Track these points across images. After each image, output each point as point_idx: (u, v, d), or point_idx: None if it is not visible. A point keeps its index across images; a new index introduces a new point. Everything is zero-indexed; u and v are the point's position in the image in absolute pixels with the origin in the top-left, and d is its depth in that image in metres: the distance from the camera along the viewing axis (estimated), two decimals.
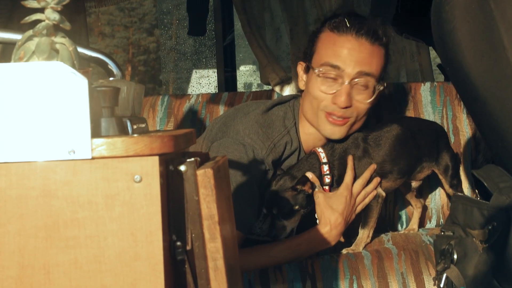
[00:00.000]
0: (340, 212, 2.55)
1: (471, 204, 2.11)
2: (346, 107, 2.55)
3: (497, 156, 2.06)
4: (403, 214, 3.09)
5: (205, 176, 1.37)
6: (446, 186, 2.81)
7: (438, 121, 3.12)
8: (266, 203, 2.56)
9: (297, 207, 2.56)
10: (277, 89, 3.55)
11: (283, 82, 3.55)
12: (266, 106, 2.70)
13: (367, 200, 2.64)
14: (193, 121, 3.26)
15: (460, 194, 2.42)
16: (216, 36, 3.98)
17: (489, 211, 2.01)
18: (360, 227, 2.70)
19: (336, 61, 2.54)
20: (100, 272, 1.30)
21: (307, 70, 2.66)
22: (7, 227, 1.29)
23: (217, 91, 3.90)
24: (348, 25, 2.58)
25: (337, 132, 2.61)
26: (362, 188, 2.62)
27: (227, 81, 4.05)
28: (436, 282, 2.23)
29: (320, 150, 2.62)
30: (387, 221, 3.07)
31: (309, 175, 2.58)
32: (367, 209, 2.65)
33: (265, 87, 4.03)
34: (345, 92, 2.53)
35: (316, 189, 2.58)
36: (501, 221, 1.96)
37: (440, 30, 1.84)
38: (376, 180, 2.65)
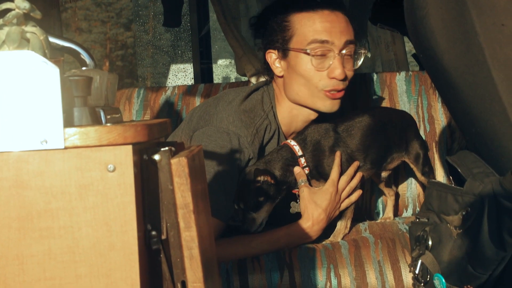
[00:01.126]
0: (323, 208, 2.55)
1: (445, 190, 2.11)
2: (343, 78, 2.57)
3: (470, 142, 2.07)
4: (379, 203, 3.10)
5: (179, 165, 1.36)
6: (418, 174, 2.81)
7: (413, 110, 3.13)
8: (235, 197, 2.55)
9: (262, 198, 2.54)
10: (253, 80, 3.54)
11: (259, 73, 3.53)
12: (246, 93, 2.70)
13: (353, 198, 2.65)
14: (169, 113, 3.25)
15: (434, 180, 2.43)
16: (192, 28, 3.97)
17: (463, 197, 2.01)
18: (338, 220, 2.70)
19: (324, 36, 2.56)
20: (74, 262, 1.29)
21: (284, 55, 2.64)
22: None
23: (193, 84, 3.89)
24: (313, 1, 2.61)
25: (336, 105, 2.63)
26: (346, 184, 2.62)
27: (203, 73, 4.04)
28: (412, 268, 2.23)
29: (293, 143, 2.61)
30: (364, 211, 3.07)
31: (297, 169, 2.57)
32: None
33: (242, 79, 4.01)
34: (339, 63, 2.56)
35: (302, 183, 2.58)
36: (475, 207, 1.96)
37: (412, 17, 1.84)
38: (359, 175, 2.65)
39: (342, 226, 2.68)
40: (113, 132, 1.28)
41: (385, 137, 2.74)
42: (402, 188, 3.09)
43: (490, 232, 1.90)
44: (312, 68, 2.58)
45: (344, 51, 2.58)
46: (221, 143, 2.53)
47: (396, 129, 2.78)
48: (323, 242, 2.64)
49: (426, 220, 2.17)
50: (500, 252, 1.92)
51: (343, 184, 2.61)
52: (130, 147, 1.29)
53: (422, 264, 2.13)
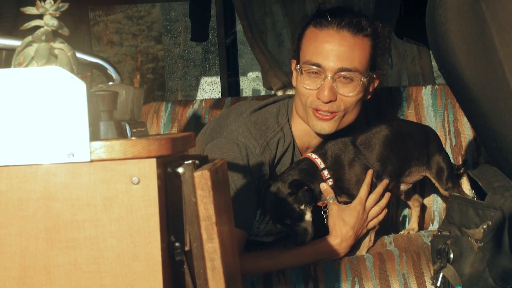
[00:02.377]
0: (351, 225, 2.56)
1: (466, 203, 2.13)
2: (330, 101, 2.55)
3: (492, 156, 2.08)
4: (405, 216, 3.10)
5: (202, 178, 1.39)
6: (441, 190, 2.78)
7: (440, 124, 3.14)
8: (275, 218, 2.57)
9: (303, 206, 2.56)
10: (279, 93, 3.57)
11: (286, 87, 3.57)
12: (259, 105, 2.72)
13: (380, 217, 2.66)
14: (196, 126, 3.28)
15: (456, 194, 2.43)
16: (219, 42, 4.01)
17: (484, 211, 2.03)
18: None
19: (317, 59, 2.54)
20: (99, 273, 1.33)
21: (296, 66, 2.66)
22: (9, 229, 1.32)
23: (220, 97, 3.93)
24: (330, 18, 2.57)
25: (326, 127, 2.60)
26: (375, 203, 2.63)
27: (230, 86, 4.08)
28: (433, 281, 2.25)
29: (314, 156, 2.62)
30: (389, 224, 3.08)
31: (323, 186, 2.59)
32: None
33: (267, 92, 4.05)
34: (327, 86, 2.53)
35: (331, 201, 2.59)
36: (495, 220, 1.98)
37: (434, 33, 1.86)
38: (388, 195, 2.66)
39: (366, 240, 2.69)
40: (138, 146, 1.31)
41: (404, 149, 2.73)
42: (428, 201, 3.09)
43: (510, 245, 1.92)
44: (303, 88, 2.59)
45: (339, 74, 2.55)
46: (232, 154, 2.56)
47: (415, 142, 2.77)
48: (348, 256, 2.65)
49: (448, 233, 2.18)
50: None
51: (371, 202, 2.62)
52: (154, 160, 1.33)
53: (443, 277, 2.15)
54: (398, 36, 3.86)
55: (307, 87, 2.57)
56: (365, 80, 2.59)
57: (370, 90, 2.69)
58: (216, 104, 3.34)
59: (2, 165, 1.31)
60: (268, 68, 3.59)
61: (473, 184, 2.19)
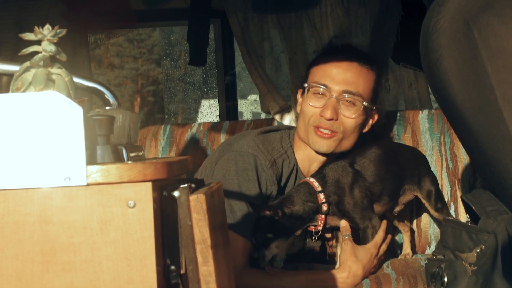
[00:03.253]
0: (363, 264, 2.59)
1: (460, 227, 2.14)
2: (331, 119, 2.68)
3: (486, 181, 2.10)
4: (402, 239, 3.11)
5: (197, 202, 1.41)
6: (432, 211, 2.84)
7: (436, 148, 3.15)
8: (252, 231, 2.59)
9: (270, 235, 2.55)
10: (277, 117, 3.59)
11: (283, 111, 3.59)
12: (263, 130, 2.85)
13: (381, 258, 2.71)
14: (195, 149, 3.30)
15: (450, 218, 2.45)
16: (217, 66, 4.04)
17: (477, 235, 2.05)
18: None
19: (324, 80, 2.72)
20: None
21: (303, 93, 2.80)
22: (5, 252, 1.33)
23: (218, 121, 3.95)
24: (341, 48, 2.81)
25: (324, 145, 2.72)
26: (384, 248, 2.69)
27: (229, 110, 4.10)
28: None
29: (312, 179, 2.65)
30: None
31: (343, 223, 2.63)
32: (363, 238, 2.67)
33: (266, 116, 4.07)
34: (331, 105, 2.69)
35: (346, 237, 2.61)
36: (489, 244, 1.99)
37: (427, 59, 1.88)
38: (389, 238, 2.73)
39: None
40: (134, 170, 1.33)
41: (398, 167, 2.78)
42: (424, 225, 3.11)
43: (504, 269, 1.93)
44: (309, 106, 2.73)
45: (343, 96, 2.70)
46: (242, 165, 2.65)
47: (407, 161, 2.83)
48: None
49: (442, 257, 2.19)
50: None
51: (384, 248, 2.67)
52: (149, 184, 1.34)
53: None
54: (394, 61, 3.89)
55: (312, 104, 2.72)
56: (366, 104, 2.73)
57: (369, 123, 2.84)
58: (214, 127, 3.36)
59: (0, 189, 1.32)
60: (266, 92, 3.62)
61: (467, 208, 2.20)
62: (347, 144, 2.77)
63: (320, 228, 2.64)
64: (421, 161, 2.90)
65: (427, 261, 2.37)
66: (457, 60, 1.82)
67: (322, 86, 2.71)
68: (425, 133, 3.22)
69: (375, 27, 3.68)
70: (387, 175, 2.73)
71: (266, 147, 2.73)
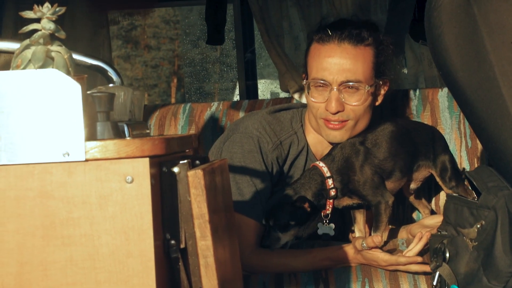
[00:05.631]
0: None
1: (461, 203, 2.15)
2: (338, 112, 2.63)
3: (489, 157, 2.10)
4: (419, 216, 3.11)
5: (195, 177, 1.42)
6: (445, 189, 2.80)
7: (455, 126, 3.14)
8: (266, 213, 2.61)
9: (293, 222, 2.58)
10: (296, 96, 3.60)
11: (302, 90, 3.59)
12: (274, 109, 2.80)
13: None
14: (214, 128, 3.32)
15: (452, 194, 2.44)
16: (237, 46, 4.05)
17: (478, 210, 2.05)
18: (372, 231, 2.72)
19: (322, 75, 2.63)
20: (94, 269, 1.37)
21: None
22: (6, 226, 1.36)
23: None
24: (330, 33, 2.66)
25: (337, 136, 2.67)
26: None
27: (249, 89, 4.12)
28: (430, 280, 2.26)
29: (321, 164, 2.65)
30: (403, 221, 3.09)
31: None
32: (376, 214, 2.67)
33: (285, 94, 4.07)
34: (334, 98, 2.61)
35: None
36: (489, 220, 2.00)
37: (430, 35, 1.89)
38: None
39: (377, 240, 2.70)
40: (131, 146, 1.35)
41: (411, 142, 2.76)
42: (443, 204, 3.09)
43: (503, 245, 1.93)
44: (313, 99, 2.67)
45: (344, 85, 2.62)
46: (247, 147, 2.64)
47: (422, 138, 2.79)
48: (359, 248, 2.66)
49: (445, 233, 2.20)
50: None
51: (414, 268, 2.53)
52: (147, 160, 1.36)
53: (439, 276, 2.16)
54: (414, 39, 3.88)
55: (315, 100, 2.66)
56: (370, 88, 2.65)
57: (380, 95, 2.76)
58: (233, 106, 3.37)
59: (1, 164, 1.35)
60: (285, 71, 3.63)
61: (472, 185, 2.21)
62: (361, 126, 2.71)
63: (328, 212, 2.65)
64: (438, 139, 2.87)
65: (430, 238, 2.38)
66: (458, 36, 1.82)
67: (320, 81, 2.64)
68: (445, 111, 3.20)
69: (392, 3, 3.67)
70: (399, 151, 2.72)
71: (273, 128, 2.70)
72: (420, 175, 2.82)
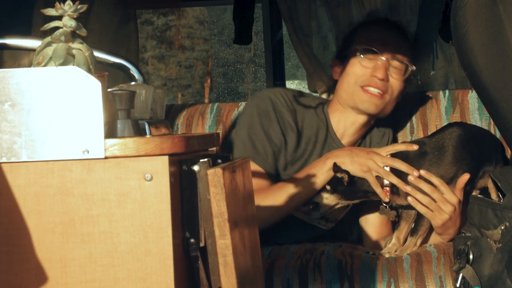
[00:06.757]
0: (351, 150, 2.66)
1: (485, 205, 2.13)
2: (383, 80, 2.74)
3: None
4: None
5: (215, 175, 1.42)
6: (494, 195, 2.72)
7: (485, 128, 3.11)
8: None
9: (329, 187, 2.60)
10: (324, 96, 3.58)
11: (330, 90, 3.58)
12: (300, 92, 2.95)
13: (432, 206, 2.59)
14: None
15: (476, 195, 2.41)
16: (265, 46, 4.05)
17: (502, 212, 2.04)
18: (409, 234, 2.69)
19: (375, 43, 2.77)
20: (113, 266, 1.37)
21: (342, 61, 2.86)
22: (26, 223, 1.37)
23: None
24: (380, 21, 2.93)
25: (373, 105, 2.75)
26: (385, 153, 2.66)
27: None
28: (453, 282, 2.25)
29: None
30: None
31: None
32: (419, 217, 2.63)
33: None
34: (383, 66, 2.75)
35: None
36: None
37: (456, 35, 1.88)
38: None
39: (411, 243, 2.67)
40: (151, 143, 1.35)
41: (476, 147, 2.70)
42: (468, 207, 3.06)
43: None
44: (359, 67, 2.78)
45: (392, 60, 2.78)
46: (264, 107, 2.76)
47: (487, 142, 2.73)
48: (387, 256, 2.65)
49: (469, 234, 2.19)
50: None
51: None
52: (166, 158, 1.36)
53: (463, 278, 2.15)
54: (444, 39, 3.83)
55: (364, 64, 2.77)
56: (413, 68, 2.82)
57: (405, 88, 2.89)
58: None
59: (21, 161, 1.36)
60: (312, 71, 3.61)
61: (497, 186, 2.19)
62: (389, 108, 2.81)
63: (387, 199, 2.62)
64: (498, 146, 2.80)
65: (454, 239, 2.36)
66: (482, 35, 1.81)
67: (374, 48, 2.76)
68: (474, 113, 3.18)
69: (423, 4, 3.65)
70: (464, 156, 2.66)
71: (289, 97, 2.82)
72: (484, 181, 2.72)
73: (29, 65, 2.63)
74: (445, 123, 3.11)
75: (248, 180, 1.72)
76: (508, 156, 2.91)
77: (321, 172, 2.62)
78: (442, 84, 3.92)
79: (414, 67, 2.82)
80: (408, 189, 2.55)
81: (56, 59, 1.36)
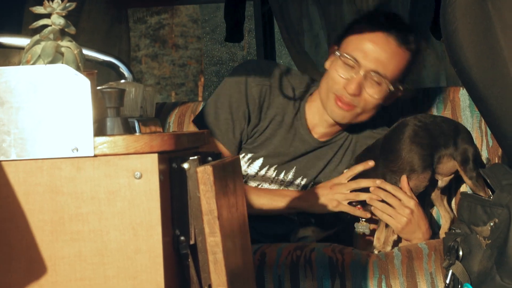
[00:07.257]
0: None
1: (475, 201, 2.14)
2: (354, 95, 2.64)
3: (505, 154, 2.08)
4: (440, 215, 3.09)
5: (204, 173, 1.42)
6: (465, 178, 2.75)
7: (476, 125, 3.11)
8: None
9: (313, 219, 2.76)
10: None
11: None
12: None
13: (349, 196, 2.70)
14: None
15: (466, 192, 2.43)
16: (257, 44, 4.05)
17: (491, 208, 2.04)
18: (384, 226, 2.72)
19: (357, 54, 2.64)
20: (103, 265, 1.37)
21: (334, 52, 2.76)
22: (15, 221, 1.37)
23: None
24: (381, 21, 2.71)
25: (340, 116, 2.70)
26: (345, 180, 2.70)
27: None
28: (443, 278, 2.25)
29: None
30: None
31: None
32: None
33: None
34: (357, 81, 2.63)
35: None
36: (502, 218, 1.99)
37: (445, 31, 1.88)
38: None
39: (389, 233, 2.70)
40: (140, 141, 1.35)
41: (427, 135, 2.72)
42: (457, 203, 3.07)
43: None
44: (337, 73, 2.68)
45: (371, 74, 2.64)
46: (237, 77, 2.75)
47: (440, 129, 2.76)
48: (376, 252, 2.66)
49: (459, 231, 2.19)
50: None
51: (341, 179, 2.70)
52: (156, 156, 1.36)
53: (453, 274, 2.16)
54: (435, 37, 3.84)
55: (339, 74, 2.67)
56: (391, 88, 2.68)
57: (392, 99, 2.78)
58: None
59: (10, 160, 1.36)
60: (304, 69, 3.62)
61: (486, 183, 2.20)
62: (364, 117, 2.74)
63: (368, 215, 2.69)
64: (462, 131, 2.80)
65: (444, 236, 2.37)
66: (472, 32, 1.81)
67: (353, 60, 2.65)
68: (465, 110, 3.18)
69: (414, 1, 3.66)
70: (411, 148, 2.69)
71: (274, 73, 2.78)
72: (444, 167, 2.76)
73: (20, 63, 2.62)
74: None
75: (239, 178, 1.72)
76: (481, 142, 2.94)
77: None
78: (434, 81, 3.93)
79: (391, 88, 2.68)
80: (367, 199, 2.66)
81: (45, 57, 1.36)
